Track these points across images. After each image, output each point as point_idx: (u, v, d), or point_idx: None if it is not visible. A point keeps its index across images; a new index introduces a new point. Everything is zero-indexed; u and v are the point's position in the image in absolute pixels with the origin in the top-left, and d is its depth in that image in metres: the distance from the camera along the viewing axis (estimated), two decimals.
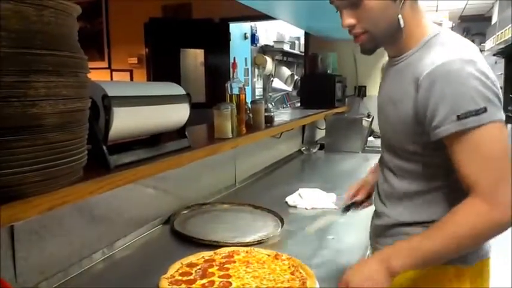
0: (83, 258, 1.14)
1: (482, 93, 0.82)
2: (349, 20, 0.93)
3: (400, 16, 0.91)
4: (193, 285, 1.00)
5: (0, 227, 0.88)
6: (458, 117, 0.82)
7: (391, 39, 0.95)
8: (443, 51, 0.87)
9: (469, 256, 0.94)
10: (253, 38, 5.36)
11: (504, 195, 0.81)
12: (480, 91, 0.82)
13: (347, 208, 1.33)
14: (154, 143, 1.27)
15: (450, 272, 0.95)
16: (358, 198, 1.30)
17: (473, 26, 10.38)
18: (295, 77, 5.27)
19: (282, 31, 5.78)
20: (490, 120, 0.81)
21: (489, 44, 8.51)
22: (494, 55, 8.77)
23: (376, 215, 1.10)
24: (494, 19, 8.14)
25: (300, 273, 1.07)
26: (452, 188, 0.92)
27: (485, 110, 0.81)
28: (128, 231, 1.32)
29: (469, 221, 0.84)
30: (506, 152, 0.83)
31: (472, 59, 0.85)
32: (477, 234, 0.84)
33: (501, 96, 0.86)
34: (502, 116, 0.84)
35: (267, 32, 5.78)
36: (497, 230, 0.83)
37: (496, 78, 0.88)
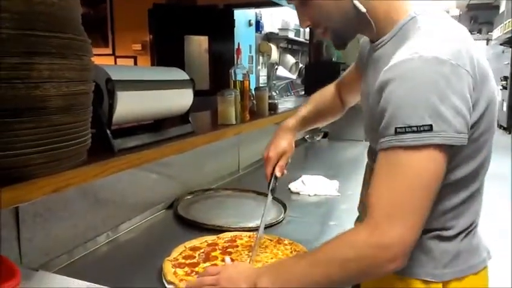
0: (88, 241, 1.15)
1: (434, 106, 0.67)
2: (304, 22, 0.86)
3: (356, 2, 0.80)
4: (196, 268, 1.01)
5: (6, 209, 0.89)
6: (396, 131, 0.69)
7: (360, 27, 0.84)
8: (412, 44, 0.73)
9: (440, 270, 0.82)
10: (258, 25, 5.33)
11: (389, 234, 0.68)
12: (431, 103, 0.67)
13: (273, 189, 1.11)
14: (157, 128, 1.28)
15: (416, 286, 0.83)
16: (279, 174, 1.10)
17: (480, 15, 10.28)
18: (300, 65, 5.24)
19: (286, 18, 5.74)
20: (429, 143, 0.67)
21: (496, 33, 8.43)
22: (501, 44, 8.70)
23: (359, 219, 1.02)
24: (502, 8, 8.04)
25: (295, 251, 1.08)
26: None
27: (430, 128, 0.67)
28: (132, 215, 1.33)
29: (343, 247, 0.73)
30: (425, 187, 0.69)
31: (440, 56, 0.69)
32: (345, 264, 0.71)
33: (467, 107, 0.70)
34: (456, 138, 0.68)
35: (272, 19, 5.73)
36: (366, 267, 0.70)
37: (478, 75, 0.72)
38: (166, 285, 0.95)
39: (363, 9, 0.80)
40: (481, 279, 0.85)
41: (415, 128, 0.67)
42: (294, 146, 1.14)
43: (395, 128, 0.69)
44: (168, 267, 0.99)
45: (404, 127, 0.68)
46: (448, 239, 0.82)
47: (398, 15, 0.81)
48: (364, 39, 1.00)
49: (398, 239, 0.68)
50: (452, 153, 0.73)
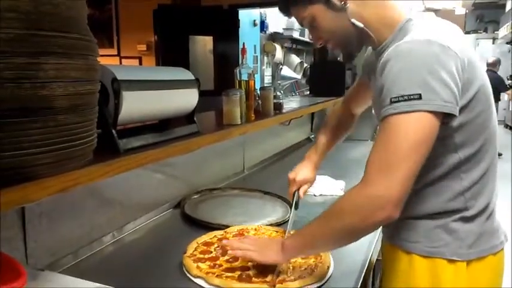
0: (93, 241, 1.15)
1: (423, 78, 0.78)
2: (316, 40, 1.03)
3: (353, 20, 0.94)
4: (218, 262, 1.03)
5: (12, 209, 0.89)
6: (391, 101, 0.80)
7: (362, 39, 0.98)
8: (409, 36, 0.85)
9: (465, 250, 0.90)
10: (263, 25, 5.31)
11: (379, 187, 0.78)
12: (421, 76, 0.78)
13: (296, 203, 1.28)
14: (163, 128, 1.27)
15: (442, 265, 0.91)
16: (302, 196, 1.28)
17: (486, 13, 10.21)
18: (305, 65, 5.22)
19: (291, 18, 5.70)
20: (418, 109, 0.77)
21: (503, 31, 8.37)
22: (507, 43, 8.64)
23: None
24: (508, 6, 7.98)
25: None
26: (447, 179, 0.90)
27: (419, 96, 0.77)
28: (137, 215, 1.33)
29: (343, 200, 0.86)
30: (413, 146, 0.78)
31: (431, 39, 0.81)
32: (344, 214, 0.84)
33: (454, 82, 0.80)
34: (443, 106, 0.78)
35: (276, 19, 5.71)
36: (361, 215, 0.81)
37: (468, 64, 0.83)
38: (193, 279, 0.96)
39: (360, 25, 0.95)
40: (498, 260, 0.95)
41: (406, 97, 0.78)
42: (316, 174, 1.32)
43: (391, 99, 0.80)
44: (190, 263, 1.01)
45: (398, 97, 0.79)
46: (470, 220, 0.91)
47: (394, 20, 0.94)
48: (367, 54, 1.16)
49: (385, 190, 0.78)
50: (453, 129, 0.85)
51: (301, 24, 1.03)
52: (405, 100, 0.78)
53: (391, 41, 0.92)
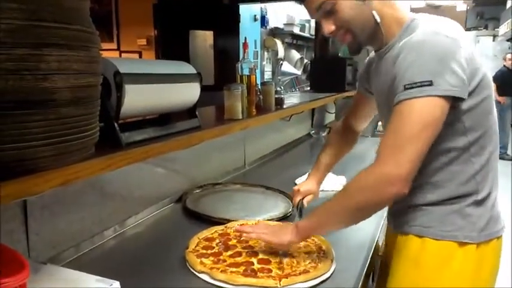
0: (95, 235, 1.15)
1: (434, 66, 0.84)
2: (329, 27, 1.00)
3: (374, 12, 0.97)
4: (221, 257, 1.03)
5: (14, 202, 0.88)
6: (404, 87, 0.86)
7: (372, 34, 1.01)
8: (418, 31, 0.92)
9: (476, 233, 0.95)
10: (263, 20, 5.29)
11: (389, 165, 0.85)
12: (431, 64, 0.85)
13: (301, 210, 1.31)
14: (164, 123, 1.26)
15: (453, 247, 0.95)
16: (306, 205, 1.33)
17: (487, 10, 10.17)
18: (305, 61, 5.20)
19: (292, 13, 5.69)
20: (429, 94, 0.84)
21: (503, 28, 8.34)
22: (508, 40, 8.61)
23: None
24: (509, 3, 7.95)
25: (313, 239, 1.12)
26: (459, 163, 0.95)
27: (430, 83, 0.83)
28: (139, 209, 1.33)
29: (357, 180, 0.91)
30: (422, 127, 0.84)
31: (440, 31, 0.88)
32: (357, 195, 0.90)
33: (462, 70, 0.86)
34: (451, 90, 0.84)
35: (277, 14, 5.69)
36: (373, 191, 0.87)
37: (472, 56, 0.89)
38: (198, 275, 0.96)
39: (378, 19, 0.98)
40: (500, 244, 1.01)
41: (419, 84, 0.84)
42: (319, 189, 1.38)
43: (404, 85, 0.86)
44: (193, 258, 1.00)
45: (411, 84, 0.85)
46: (481, 204, 0.96)
47: (402, 20, 0.99)
48: (361, 68, 1.22)
49: (395, 168, 0.84)
50: (462, 113, 0.91)
51: (317, 9, 0.99)
52: (418, 86, 0.84)
53: (397, 39, 0.97)
